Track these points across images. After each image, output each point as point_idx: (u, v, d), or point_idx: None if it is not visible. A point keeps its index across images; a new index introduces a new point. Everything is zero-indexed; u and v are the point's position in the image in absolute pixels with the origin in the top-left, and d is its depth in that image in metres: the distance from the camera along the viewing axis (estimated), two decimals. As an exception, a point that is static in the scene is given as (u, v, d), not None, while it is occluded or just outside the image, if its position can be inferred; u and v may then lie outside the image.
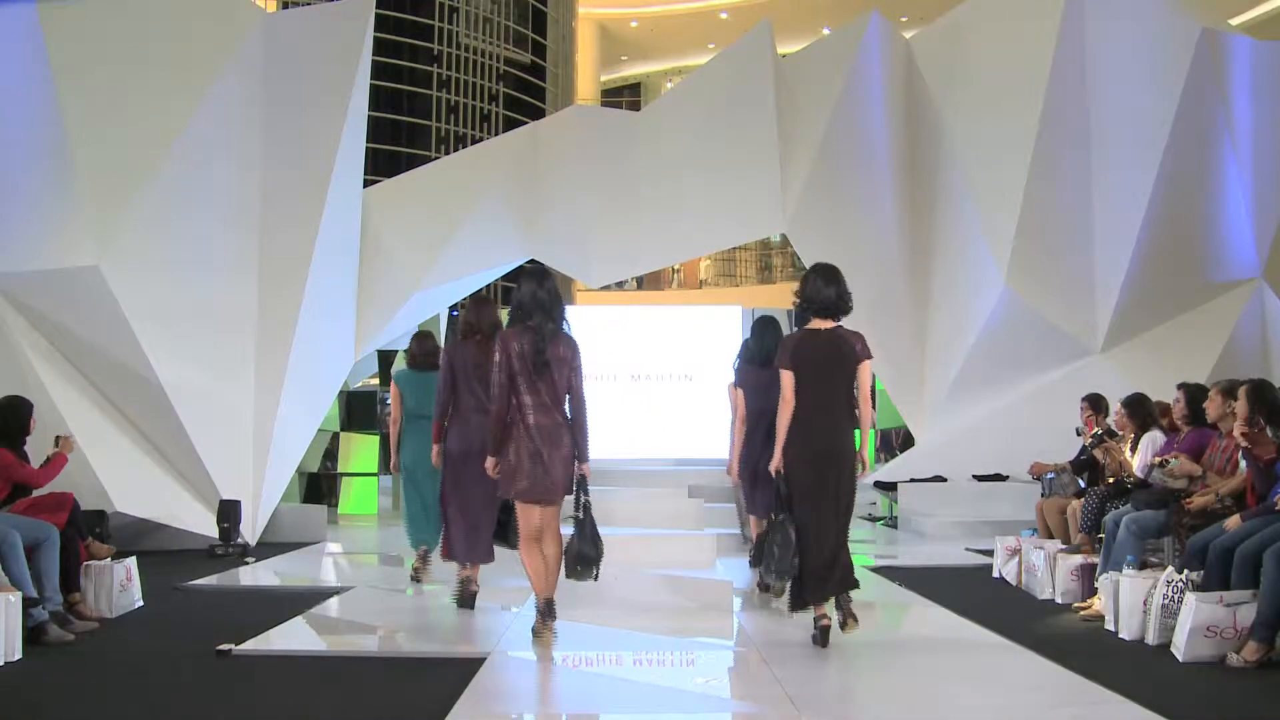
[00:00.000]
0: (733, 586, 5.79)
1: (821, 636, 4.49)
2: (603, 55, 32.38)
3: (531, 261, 6.85)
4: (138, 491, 7.54)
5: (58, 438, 5.62)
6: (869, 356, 4.47)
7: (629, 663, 4.61)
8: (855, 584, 4.47)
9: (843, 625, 4.45)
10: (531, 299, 4.48)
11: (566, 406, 4.55)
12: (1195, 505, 4.98)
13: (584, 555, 4.62)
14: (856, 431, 4.58)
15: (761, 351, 5.69)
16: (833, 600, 4.47)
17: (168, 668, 4.42)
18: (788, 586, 4.57)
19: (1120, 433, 6.29)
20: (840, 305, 4.54)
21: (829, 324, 4.53)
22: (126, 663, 4.54)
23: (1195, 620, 4.28)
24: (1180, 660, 4.31)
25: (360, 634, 5.42)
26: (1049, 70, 8.25)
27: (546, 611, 4.52)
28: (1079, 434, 6.82)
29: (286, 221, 8.16)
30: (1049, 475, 7.07)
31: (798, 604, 4.53)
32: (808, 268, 4.75)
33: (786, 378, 4.42)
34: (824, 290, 4.52)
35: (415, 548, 6.31)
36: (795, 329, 4.72)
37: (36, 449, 5.53)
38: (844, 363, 4.44)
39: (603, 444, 10.41)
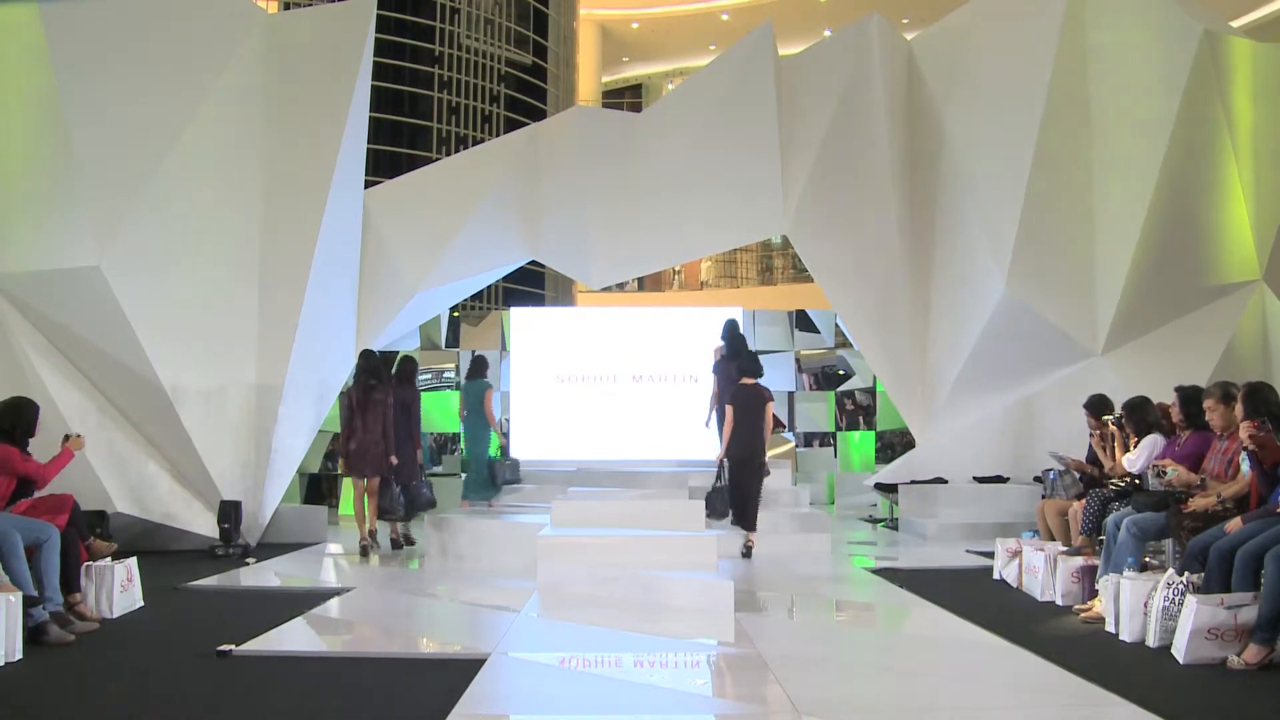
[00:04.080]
0: (733, 587, 5.79)
1: (746, 552, 7.51)
2: (604, 56, 32.37)
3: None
4: (139, 492, 7.57)
5: (67, 436, 5.63)
6: (771, 399, 7.68)
7: (629, 664, 4.61)
8: (753, 529, 7.58)
9: (749, 549, 7.53)
10: (364, 367, 8.11)
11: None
12: (1196, 507, 4.97)
13: (383, 509, 8.09)
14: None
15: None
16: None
17: (168, 668, 4.42)
18: (729, 517, 7.65)
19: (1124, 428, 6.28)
20: (757, 373, 7.77)
21: (751, 381, 7.71)
22: (127, 663, 4.54)
23: (1196, 622, 4.28)
24: (1181, 662, 4.31)
25: (360, 635, 5.43)
26: (1050, 72, 8.25)
27: (369, 545, 7.89)
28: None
29: (288, 222, 8.17)
30: (1052, 475, 7.07)
31: (733, 523, 7.60)
32: (746, 349, 8.36)
33: (729, 410, 7.64)
34: (749, 366, 7.83)
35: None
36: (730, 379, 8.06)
37: (41, 452, 5.52)
38: (759, 403, 7.61)
39: (603, 445, 10.57)
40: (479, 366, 8.98)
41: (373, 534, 8.02)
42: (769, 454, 7.89)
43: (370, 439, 7.92)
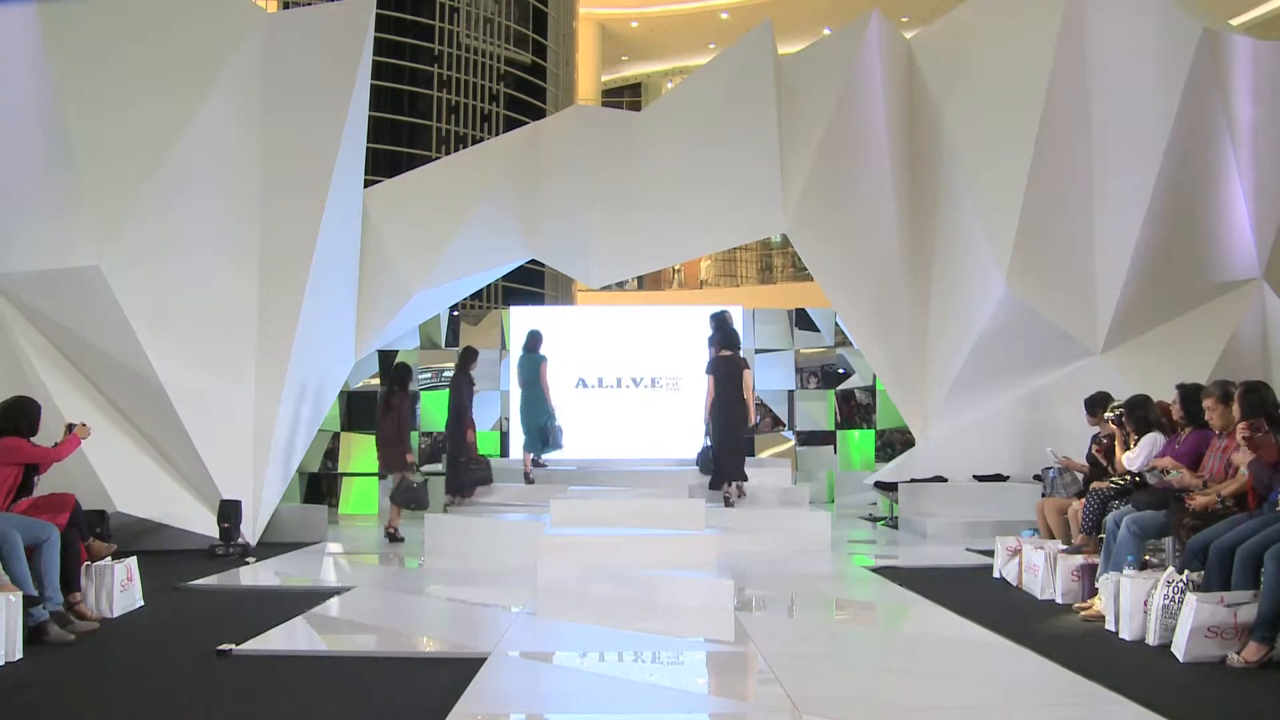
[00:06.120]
0: (734, 586, 5.80)
1: (725, 503, 8.29)
2: (603, 55, 32.36)
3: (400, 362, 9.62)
4: (138, 491, 7.54)
5: (70, 425, 5.64)
6: (748, 368, 8.52)
7: (629, 663, 4.61)
8: (743, 478, 8.38)
9: (729, 499, 8.31)
10: (394, 371, 9.10)
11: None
12: (1196, 505, 4.97)
13: (394, 499, 8.77)
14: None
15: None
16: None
17: (168, 668, 4.42)
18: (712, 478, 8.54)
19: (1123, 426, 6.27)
20: (736, 345, 8.59)
21: (730, 352, 8.45)
22: (127, 663, 4.54)
23: (1196, 621, 4.28)
24: (1181, 660, 4.31)
25: (360, 634, 5.42)
26: (1050, 70, 8.24)
27: (394, 536, 8.67)
28: (1095, 440, 6.83)
29: (287, 221, 8.16)
30: (1051, 473, 7.07)
31: (714, 484, 8.43)
32: (721, 320, 8.89)
33: (711, 380, 8.38)
34: (730, 340, 8.56)
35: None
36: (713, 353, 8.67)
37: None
38: (738, 371, 8.33)
39: (603, 444, 10.58)
40: (534, 341, 9.50)
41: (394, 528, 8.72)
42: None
43: (387, 439, 8.78)
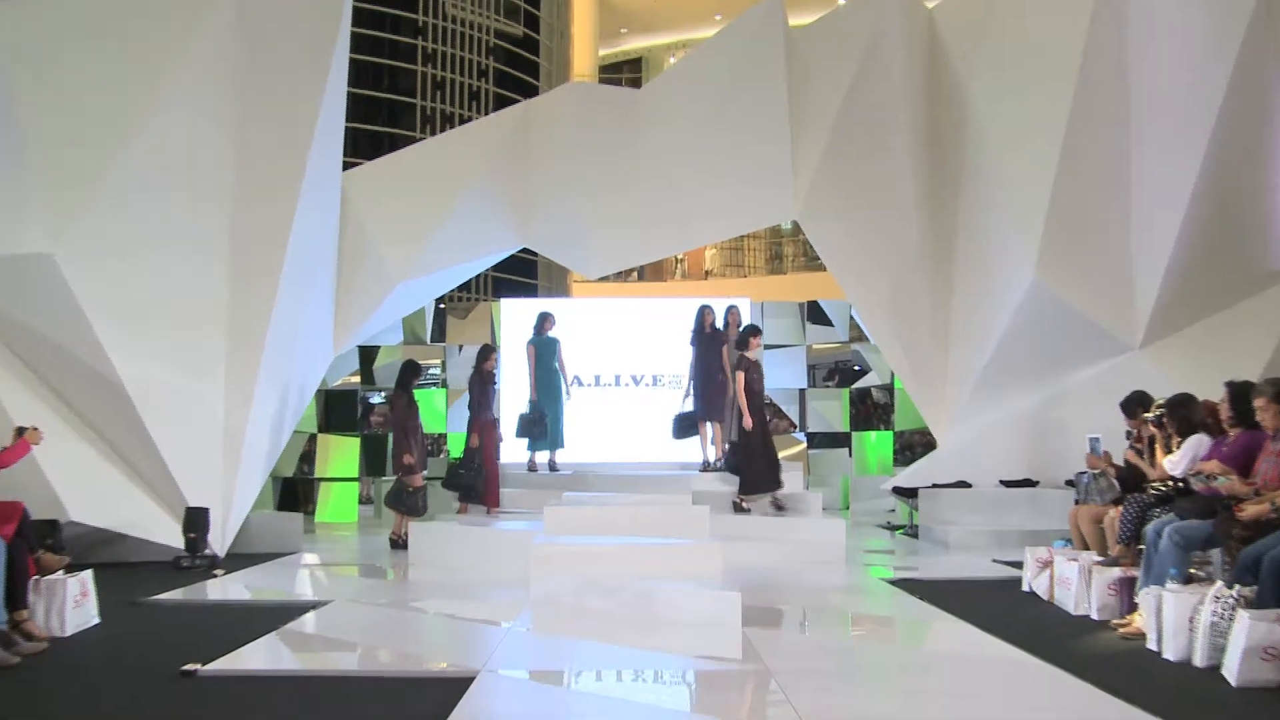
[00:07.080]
0: (741, 599, 5.75)
1: (735, 509, 8.39)
2: (601, 27, 32.38)
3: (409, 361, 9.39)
4: (95, 498, 7.49)
5: (20, 429, 5.60)
6: (742, 370, 8.52)
7: (629, 682, 4.59)
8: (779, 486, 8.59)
9: (741, 505, 8.45)
10: (400, 370, 9.13)
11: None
12: (1248, 515, 4.90)
13: (387, 502, 9.02)
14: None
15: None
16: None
17: (126, 691, 4.36)
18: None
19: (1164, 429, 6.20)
20: (744, 345, 8.58)
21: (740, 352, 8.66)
22: (80, 686, 4.49)
23: (1250, 640, 4.21)
24: (1233, 684, 4.24)
25: (339, 652, 5.39)
26: (1084, 40, 8.15)
27: (396, 543, 8.81)
28: (1129, 437, 6.79)
29: (259, 207, 8.13)
30: (1085, 478, 7.00)
31: (764, 488, 8.49)
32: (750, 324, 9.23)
33: (741, 377, 8.44)
34: (741, 339, 8.64)
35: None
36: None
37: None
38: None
39: (601, 446, 10.54)
40: (538, 322, 9.66)
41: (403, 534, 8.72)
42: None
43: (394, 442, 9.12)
